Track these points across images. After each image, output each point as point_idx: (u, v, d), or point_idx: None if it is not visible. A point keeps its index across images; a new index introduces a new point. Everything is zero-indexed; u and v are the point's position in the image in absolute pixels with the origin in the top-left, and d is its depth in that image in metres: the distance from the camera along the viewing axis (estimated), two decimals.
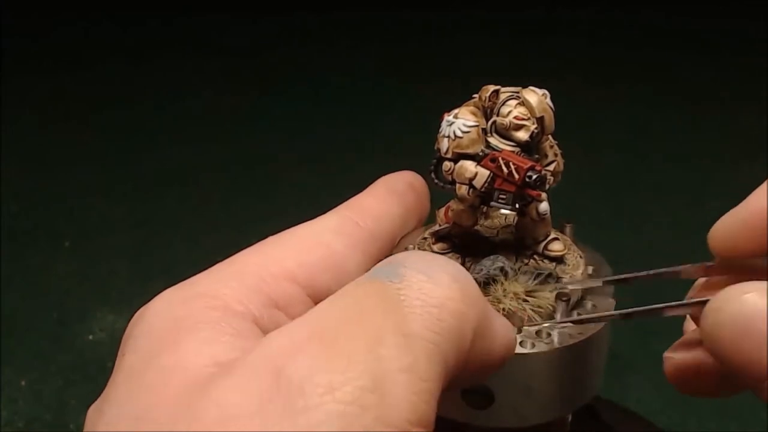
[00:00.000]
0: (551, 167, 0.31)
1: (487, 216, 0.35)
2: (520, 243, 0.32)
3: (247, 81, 1.55)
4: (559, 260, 0.31)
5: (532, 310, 0.29)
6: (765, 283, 0.24)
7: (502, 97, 0.30)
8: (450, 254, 0.33)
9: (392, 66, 1.60)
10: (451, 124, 0.31)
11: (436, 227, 0.34)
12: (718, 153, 1.23)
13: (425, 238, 0.34)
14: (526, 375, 0.28)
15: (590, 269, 0.32)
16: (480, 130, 0.30)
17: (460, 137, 0.30)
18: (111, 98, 1.47)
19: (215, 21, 1.83)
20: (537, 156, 0.31)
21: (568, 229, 0.34)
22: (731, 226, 0.27)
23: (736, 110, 1.40)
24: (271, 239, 0.28)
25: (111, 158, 1.26)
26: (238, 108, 1.43)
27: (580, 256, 0.32)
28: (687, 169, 1.17)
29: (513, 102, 0.30)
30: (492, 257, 0.31)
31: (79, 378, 0.80)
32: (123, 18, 1.84)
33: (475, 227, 0.34)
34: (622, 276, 0.31)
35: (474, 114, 0.30)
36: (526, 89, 0.31)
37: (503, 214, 0.34)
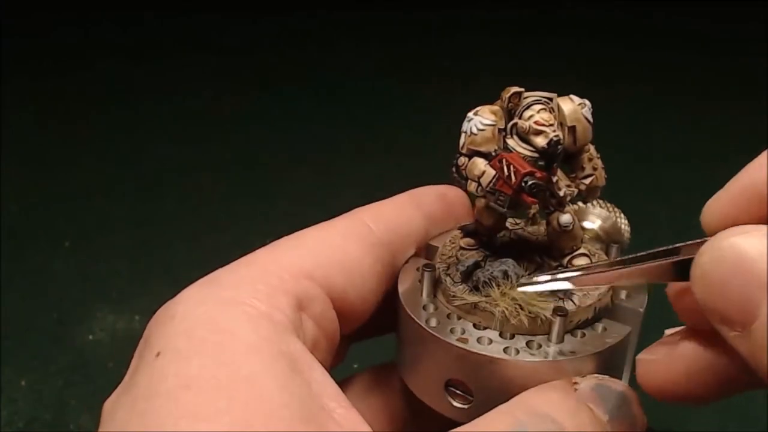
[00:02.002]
0: (587, 181, 0.30)
1: (534, 221, 0.34)
2: (548, 253, 0.32)
3: (247, 81, 1.55)
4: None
5: (526, 317, 0.28)
6: (755, 226, 0.24)
7: (528, 100, 0.30)
8: (474, 251, 0.32)
9: (392, 66, 1.60)
10: (469, 121, 0.31)
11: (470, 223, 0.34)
12: (718, 153, 1.23)
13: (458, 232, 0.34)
14: (504, 380, 0.27)
15: (623, 293, 0.31)
16: (496, 130, 0.30)
17: (475, 134, 0.30)
18: (111, 98, 1.47)
19: (215, 21, 1.83)
20: (555, 165, 0.30)
21: (614, 250, 0.33)
22: (725, 202, 0.27)
23: (736, 110, 1.39)
24: (284, 240, 0.29)
25: (111, 158, 1.26)
26: (238, 108, 1.43)
27: None
28: (687, 169, 1.17)
29: (537, 107, 0.29)
30: (502, 260, 0.30)
31: (79, 378, 0.80)
32: (123, 18, 1.84)
33: (519, 230, 0.33)
34: (622, 258, 0.30)
35: (494, 113, 0.30)
36: (563, 97, 0.30)
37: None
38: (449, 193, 0.35)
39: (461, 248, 0.33)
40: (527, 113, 0.29)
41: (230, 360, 0.22)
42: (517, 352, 0.28)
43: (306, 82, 1.55)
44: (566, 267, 0.31)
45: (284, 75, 1.58)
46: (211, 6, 1.88)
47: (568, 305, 0.29)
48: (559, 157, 0.30)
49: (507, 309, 0.29)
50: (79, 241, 1.04)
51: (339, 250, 0.28)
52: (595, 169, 0.31)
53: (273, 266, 0.26)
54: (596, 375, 0.27)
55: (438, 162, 1.20)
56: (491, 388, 0.27)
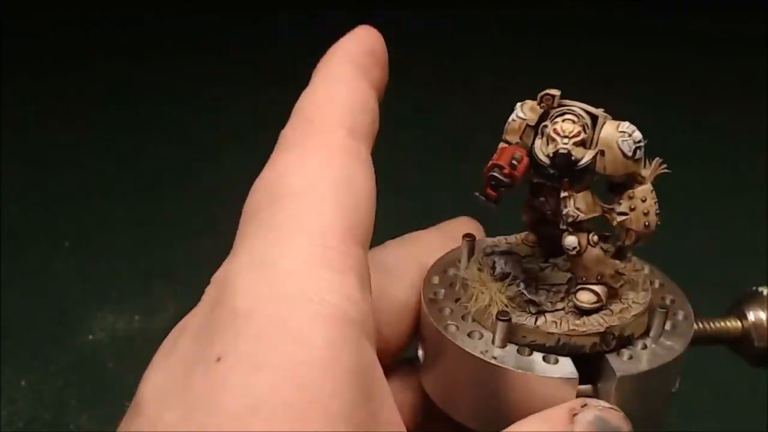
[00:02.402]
0: (621, 219, 0.29)
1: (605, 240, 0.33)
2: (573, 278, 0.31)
3: (247, 81, 1.55)
4: (586, 312, 0.29)
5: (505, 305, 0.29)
6: None
7: (564, 108, 0.29)
8: (530, 247, 0.32)
9: (392, 66, 1.60)
10: (513, 110, 0.30)
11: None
12: (718, 153, 1.23)
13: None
14: (519, 394, 0.27)
15: (626, 354, 0.30)
16: (524, 125, 0.29)
17: (508, 123, 0.30)
18: (111, 98, 1.47)
19: (215, 21, 1.83)
20: (566, 180, 0.29)
21: (656, 315, 0.30)
22: None
23: (736, 110, 1.40)
24: (290, 185, 0.25)
25: (111, 158, 1.26)
26: (238, 108, 1.43)
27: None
28: (687, 169, 1.17)
29: (569, 116, 0.29)
30: (513, 260, 0.30)
31: (79, 378, 0.80)
32: (123, 18, 1.84)
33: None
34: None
35: (532, 110, 0.30)
36: (614, 121, 0.29)
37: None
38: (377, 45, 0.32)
39: (523, 242, 0.33)
40: (557, 119, 0.29)
41: (303, 380, 0.20)
42: (494, 358, 0.28)
43: (306, 82, 1.55)
44: (570, 299, 0.30)
45: (284, 75, 1.58)
46: (211, 6, 1.88)
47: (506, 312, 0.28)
48: (573, 173, 0.29)
49: (485, 296, 0.29)
50: (79, 241, 1.04)
51: (358, 188, 0.25)
52: (632, 209, 0.29)
53: (317, 237, 0.23)
54: (600, 404, 0.26)
55: (437, 163, 1.20)
56: (506, 399, 0.27)
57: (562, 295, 0.30)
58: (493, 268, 0.31)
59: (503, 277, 0.30)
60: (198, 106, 1.43)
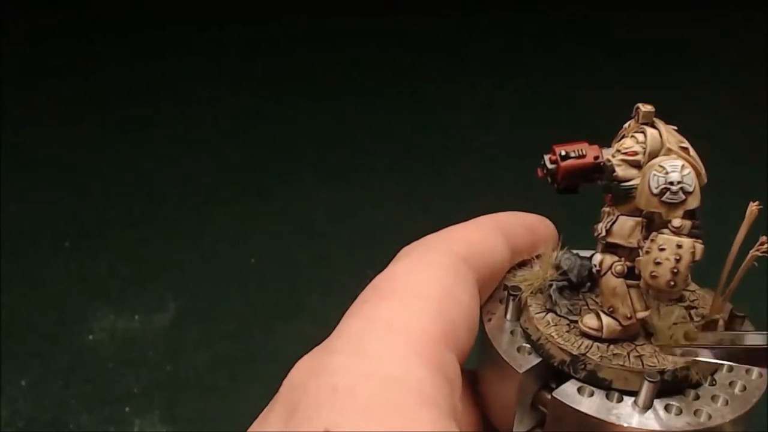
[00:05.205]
0: (637, 258, 0.27)
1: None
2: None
3: (248, 82, 1.55)
4: (593, 337, 0.28)
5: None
6: None
7: (643, 123, 0.28)
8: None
9: (392, 68, 1.60)
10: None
11: None
12: (718, 152, 1.23)
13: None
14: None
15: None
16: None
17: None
18: (111, 98, 1.47)
19: (215, 22, 1.83)
20: (607, 194, 0.28)
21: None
22: None
23: (736, 110, 1.40)
24: (397, 289, 0.27)
25: (111, 158, 1.26)
26: (238, 109, 1.43)
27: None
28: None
29: (639, 134, 0.28)
30: (587, 259, 0.30)
31: (79, 378, 0.80)
32: (123, 20, 1.84)
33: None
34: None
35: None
36: (676, 152, 0.28)
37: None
38: (538, 226, 0.32)
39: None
40: (632, 132, 0.28)
41: None
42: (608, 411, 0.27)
43: (306, 83, 1.55)
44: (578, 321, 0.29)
45: (284, 76, 1.58)
46: (211, 7, 1.88)
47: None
48: (617, 191, 0.28)
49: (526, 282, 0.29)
50: (79, 241, 1.04)
51: (459, 304, 0.27)
52: (647, 252, 0.28)
53: (414, 332, 0.25)
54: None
55: (438, 164, 1.20)
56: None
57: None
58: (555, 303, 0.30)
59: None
60: (198, 107, 1.43)
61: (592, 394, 0.27)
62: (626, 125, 0.28)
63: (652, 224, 0.28)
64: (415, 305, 0.26)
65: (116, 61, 1.62)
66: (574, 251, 0.31)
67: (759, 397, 0.29)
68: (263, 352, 0.85)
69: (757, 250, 0.29)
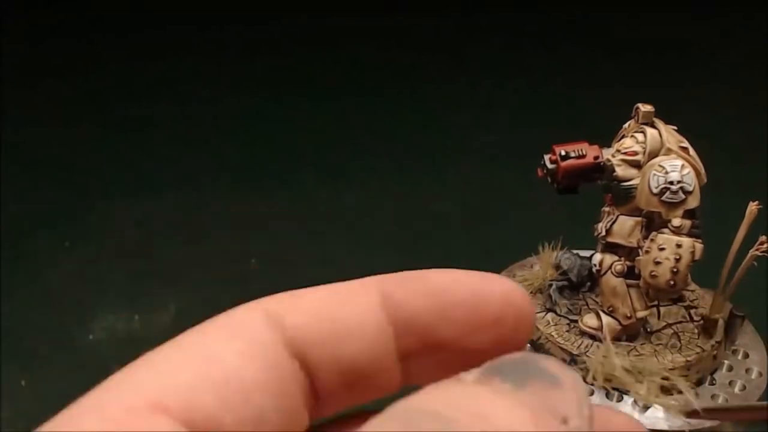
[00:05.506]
0: (637, 258, 0.27)
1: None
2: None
3: (248, 82, 1.55)
4: (593, 337, 0.28)
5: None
6: None
7: (643, 123, 0.29)
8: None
9: (392, 68, 1.60)
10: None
11: None
12: (718, 152, 1.23)
13: None
14: None
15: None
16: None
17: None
18: (111, 98, 1.47)
19: (215, 22, 1.83)
20: (607, 193, 0.28)
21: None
22: None
23: (736, 110, 1.40)
24: (153, 354, 0.21)
25: (111, 158, 1.26)
26: (238, 109, 1.43)
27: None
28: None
29: (639, 133, 0.28)
30: (587, 259, 0.30)
31: (79, 378, 0.80)
32: (123, 20, 1.84)
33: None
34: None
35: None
36: (676, 152, 0.28)
37: None
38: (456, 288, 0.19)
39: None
40: (632, 131, 0.29)
41: None
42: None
43: (306, 83, 1.55)
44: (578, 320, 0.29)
45: (284, 76, 1.58)
46: (211, 7, 1.88)
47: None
48: (617, 191, 0.28)
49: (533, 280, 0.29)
50: (79, 241, 1.04)
51: (214, 361, 0.19)
52: (647, 252, 0.28)
53: (130, 397, 0.20)
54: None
55: (438, 164, 1.20)
56: None
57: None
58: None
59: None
60: (198, 107, 1.43)
61: (591, 394, 0.27)
62: (626, 125, 0.29)
63: (651, 224, 0.28)
64: (143, 366, 0.22)
65: (116, 61, 1.62)
66: (574, 251, 0.31)
67: (759, 397, 0.29)
68: None
69: (757, 250, 0.29)
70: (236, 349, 0.19)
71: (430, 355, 0.19)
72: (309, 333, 0.19)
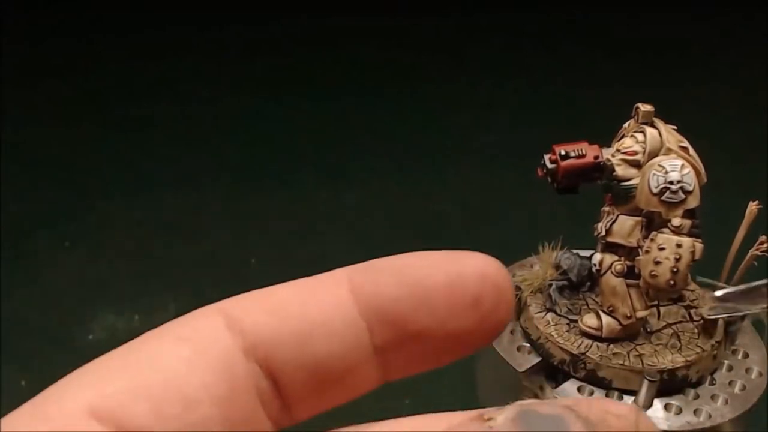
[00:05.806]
0: (637, 258, 0.27)
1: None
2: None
3: (248, 82, 1.55)
4: (593, 336, 0.28)
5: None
6: None
7: (643, 123, 0.29)
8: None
9: (392, 68, 1.60)
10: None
11: None
12: (718, 152, 1.23)
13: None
14: None
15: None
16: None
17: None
18: (111, 98, 1.47)
19: (215, 22, 1.82)
20: (607, 193, 0.28)
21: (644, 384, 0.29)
22: None
23: (736, 110, 1.40)
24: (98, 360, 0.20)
25: (111, 158, 1.26)
26: (238, 109, 1.43)
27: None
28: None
29: (638, 133, 0.28)
30: (587, 259, 0.30)
31: None
32: (123, 20, 1.84)
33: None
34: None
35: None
36: (676, 152, 0.28)
37: None
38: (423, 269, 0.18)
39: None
40: (632, 131, 0.28)
41: None
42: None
43: (306, 84, 1.55)
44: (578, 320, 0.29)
45: (284, 76, 1.58)
46: (211, 7, 1.88)
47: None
48: (618, 190, 0.28)
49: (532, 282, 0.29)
50: (79, 241, 1.04)
51: (156, 367, 0.18)
52: (647, 252, 0.28)
53: (70, 401, 0.20)
54: (520, 402, 0.17)
55: (438, 164, 1.20)
56: None
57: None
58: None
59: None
60: (198, 107, 1.43)
61: (591, 393, 0.27)
62: (626, 125, 0.29)
63: (651, 223, 0.28)
64: (82, 372, 0.21)
65: (116, 61, 1.62)
66: (574, 251, 0.31)
67: (759, 397, 0.29)
68: None
69: (757, 250, 0.29)
70: (183, 355, 0.18)
71: (409, 346, 0.18)
72: (271, 334, 0.17)
